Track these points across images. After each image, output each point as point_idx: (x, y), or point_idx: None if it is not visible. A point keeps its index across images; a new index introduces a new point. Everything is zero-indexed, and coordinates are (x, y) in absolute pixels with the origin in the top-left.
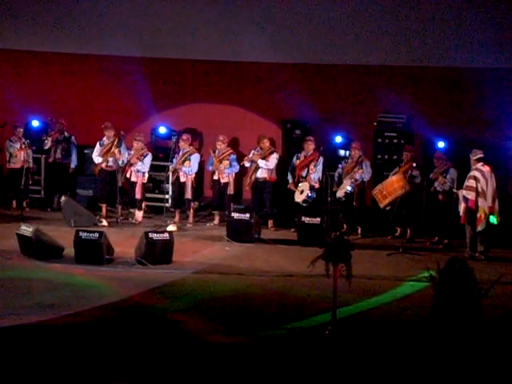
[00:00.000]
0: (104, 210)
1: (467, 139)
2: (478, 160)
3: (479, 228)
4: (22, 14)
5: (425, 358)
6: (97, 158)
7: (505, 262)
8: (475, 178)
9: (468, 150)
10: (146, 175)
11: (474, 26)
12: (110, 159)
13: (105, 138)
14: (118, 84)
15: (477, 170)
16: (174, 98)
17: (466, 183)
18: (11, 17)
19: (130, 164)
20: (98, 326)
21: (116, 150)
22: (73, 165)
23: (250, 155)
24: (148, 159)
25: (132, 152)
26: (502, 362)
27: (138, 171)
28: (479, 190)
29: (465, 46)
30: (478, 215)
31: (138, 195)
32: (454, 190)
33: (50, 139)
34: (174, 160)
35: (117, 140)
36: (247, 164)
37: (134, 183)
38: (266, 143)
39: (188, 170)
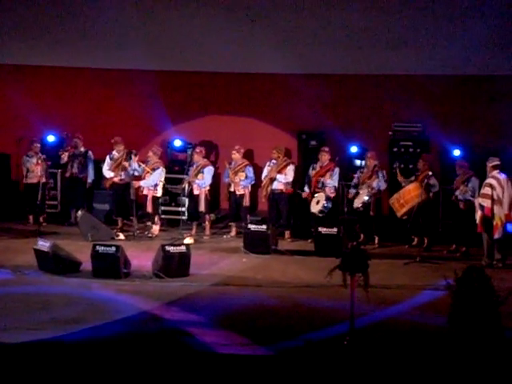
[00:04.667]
0: (120, 223)
1: (483, 147)
2: (495, 167)
3: (496, 236)
4: (36, 30)
5: (444, 367)
6: (108, 173)
7: None
8: (491, 186)
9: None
10: (159, 189)
11: (490, 34)
12: (122, 173)
13: (114, 152)
14: (132, 98)
15: (493, 177)
16: (189, 111)
17: (482, 191)
18: (26, 33)
19: (143, 177)
20: (115, 340)
21: (126, 164)
22: (89, 179)
23: (265, 171)
24: (157, 173)
25: (146, 165)
26: None
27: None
28: (495, 197)
29: (481, 53)
30: (494, 223)
31: (149, 209)
32: (471, 199)
33: (66, 154)
34: (189, 173)
35: (126, 153)
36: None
37: (146, 196)
38: (274, 154)
39: (201, 183)
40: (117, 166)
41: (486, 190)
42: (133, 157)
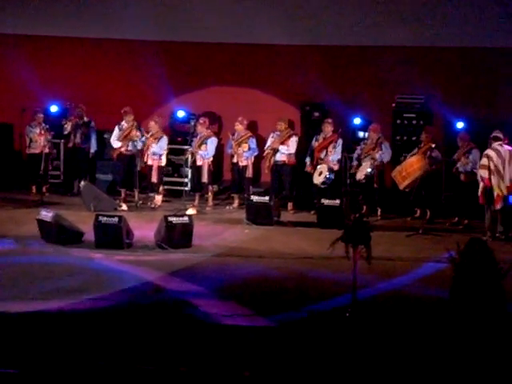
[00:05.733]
0: (123, 194)
1: (487, 120)
2: (495, 139)
3: (498, 206)
4: (38, 0)
5: (445, 340)
6: (116, 143)
7: None
8: (488, 156)
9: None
10: (164, 158)
11: (493, 4)
12: (130, 143)
13: (123, 123)
14: (135, 68)
15: (492, 148)
16: (193, 82)
17: (480, 162)
18: (28, 3)
19: (146, 147)
20: (118, 310)
21: (138, 133)
22: (92, 149)
23: (269, 142)
24: (163, 141)
25: (148, 134)
26: None
27: (153, 154)
28: (491, 167)
29: (484, 25)
30: (495, 194)
31: (154, 179)
32: (475, 171)
33: (69, 124)
34: (192, 144)
35: (136, 124)
36: (268, 151)
37: (151, 167)
38: (282, 125)
39: (204, 154)
40: (125, 136)
41: (483, 161)
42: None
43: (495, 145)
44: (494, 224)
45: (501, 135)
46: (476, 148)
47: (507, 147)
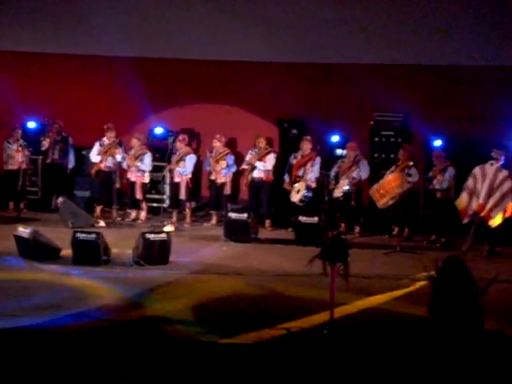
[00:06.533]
0: (99, 210)
1: (465, 137)
2: (491, 158)
3: (463, 221)
4: (17, 15)
5: (423, 358)
6: (95, 157)
7: (507, 259)
8: (472, 173)
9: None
10: (147, 175)
11: (471, 23)
12: (109, 159)
13: (105, 139)
14: (114, 85)
15: (480, 166)
16: (171, 99)
17: None
18: (7, 18)
19: (128, 165)
20: (95, 327)
21: (116, 151)
22: (70, 165)
23: (247, 158)
24: (148, 158)
25: (131, 152)
26: (499, 362)
27: (138, 171)
28: (469, 185)
29: (462, 43)
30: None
31: (138, 195)
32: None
33: (47, 140)
34: (171, 160)
35: (117, 141)
36: (245, 166)
37: (134, 183)
38: (262, 143)
39: (182, 171)
40: (105, 152)
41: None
42: (123, 145)
43: (487, 163)
44: (475, 239)
45: (495, 154)
46: (452, 165)
47: (497, 165)
